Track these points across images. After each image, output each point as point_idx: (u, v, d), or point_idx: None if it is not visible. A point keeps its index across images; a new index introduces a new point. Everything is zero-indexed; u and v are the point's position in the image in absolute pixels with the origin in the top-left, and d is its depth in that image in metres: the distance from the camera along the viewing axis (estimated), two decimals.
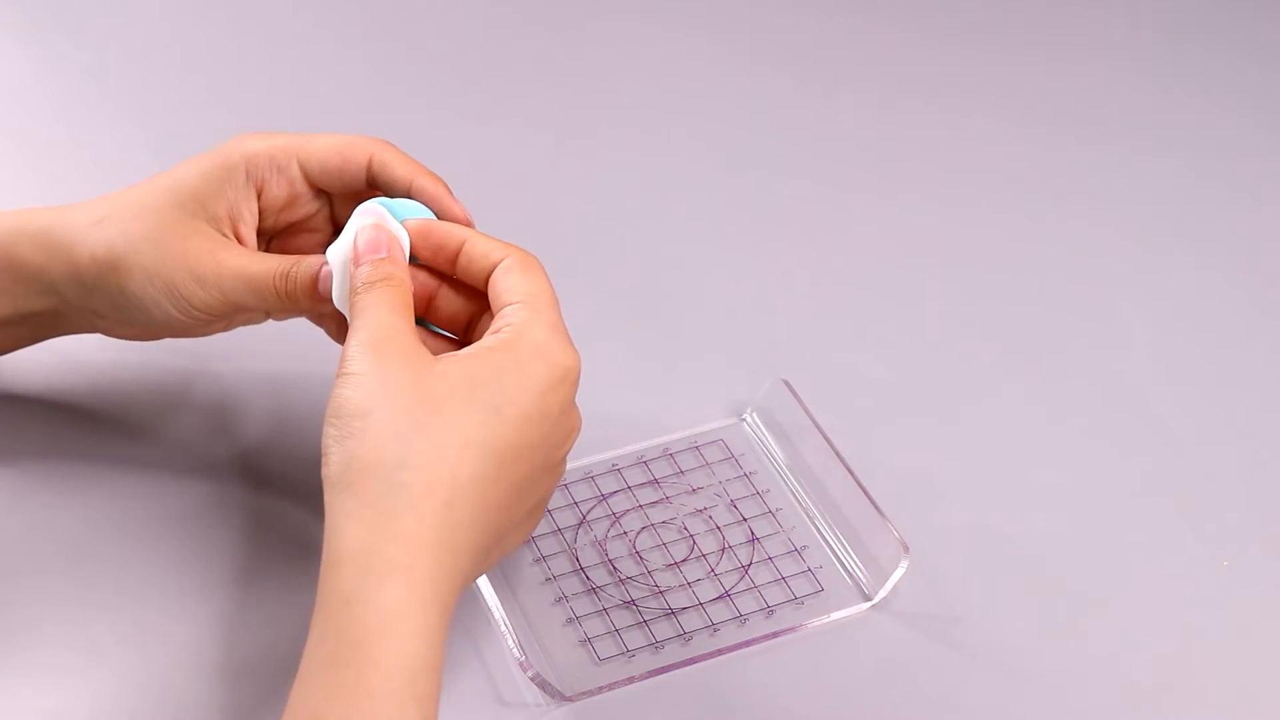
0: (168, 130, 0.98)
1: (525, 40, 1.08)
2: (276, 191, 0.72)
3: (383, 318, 0.65)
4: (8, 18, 1.07)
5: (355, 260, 0.68)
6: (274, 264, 0.70)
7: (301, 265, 0.70)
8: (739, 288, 0.92)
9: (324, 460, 0.63)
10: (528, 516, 0.68)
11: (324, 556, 0.61)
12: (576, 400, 0.68)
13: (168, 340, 0.76)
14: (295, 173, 0.72)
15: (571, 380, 0.66)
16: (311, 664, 0.60)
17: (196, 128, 0.98)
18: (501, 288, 0.67)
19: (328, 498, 0.62)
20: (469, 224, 0.72)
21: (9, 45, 1.06)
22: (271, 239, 0.75)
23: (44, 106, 1.01)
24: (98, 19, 1.06)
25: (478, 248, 0.69)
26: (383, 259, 0.67)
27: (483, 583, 0.74)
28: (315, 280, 0.70)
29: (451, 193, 0.72)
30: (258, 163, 0.72)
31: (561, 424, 0.66)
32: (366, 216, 0.69)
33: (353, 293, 0.67)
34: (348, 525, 0.61)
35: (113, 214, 0.71)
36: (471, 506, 0.63)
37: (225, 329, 0.76)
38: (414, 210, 0.70)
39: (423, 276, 0.70)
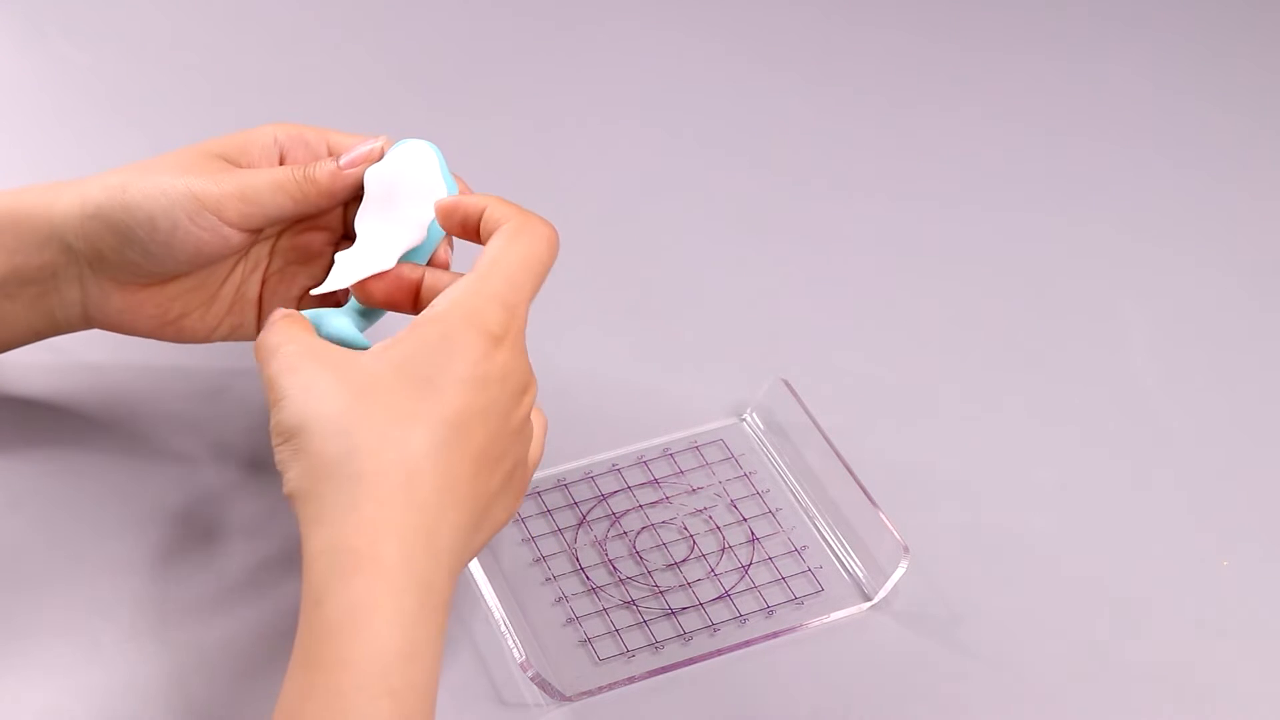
0: (168, 130, 0.98)
1: (526, 40, 1.08)
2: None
3: (288, 343, 0.64)
4: (8, 18, 1.07)
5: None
6: (290, 168, 0.72)
7: (320, 160, 0.72)
8: (739, 288, 0.92)
9: (283, 482, 0.62)
10: (505, 485, 0.66)
11: (302, 563, 0.61)
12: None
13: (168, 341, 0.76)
14: (323, 153, 0.73)
15: (509, 344, 0.64)
16: (291, 667, 0.60)
17: (196, 128, 0.97)
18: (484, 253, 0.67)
19: (296, 513, 0.62)
20: None
21: (9, 45, 1.06)
22: (281, 234, 0.76)
23: (44, 106, 1.01)
24: (98, 19, 1.06)
25: (494, 213, 0.68)
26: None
27: (483, 583, 0.74)
28: (336, 171, 0.70)
29: (469, 190, 0.73)
30: (289, 133, 0.73)
31: (508, 387, 0.64)
32: (419, 154, 0.71)
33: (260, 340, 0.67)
34: (314, 530, 0.61)
35: (136, 163, 0.72)
36: (435, 480, 0.61)
37: (223, 331, 0.76)
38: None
39: (407, 269, 0.70)
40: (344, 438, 0.61)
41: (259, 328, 0.77)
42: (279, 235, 0.76)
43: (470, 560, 0.66)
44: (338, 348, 0.65)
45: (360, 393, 0.62)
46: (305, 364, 0.63)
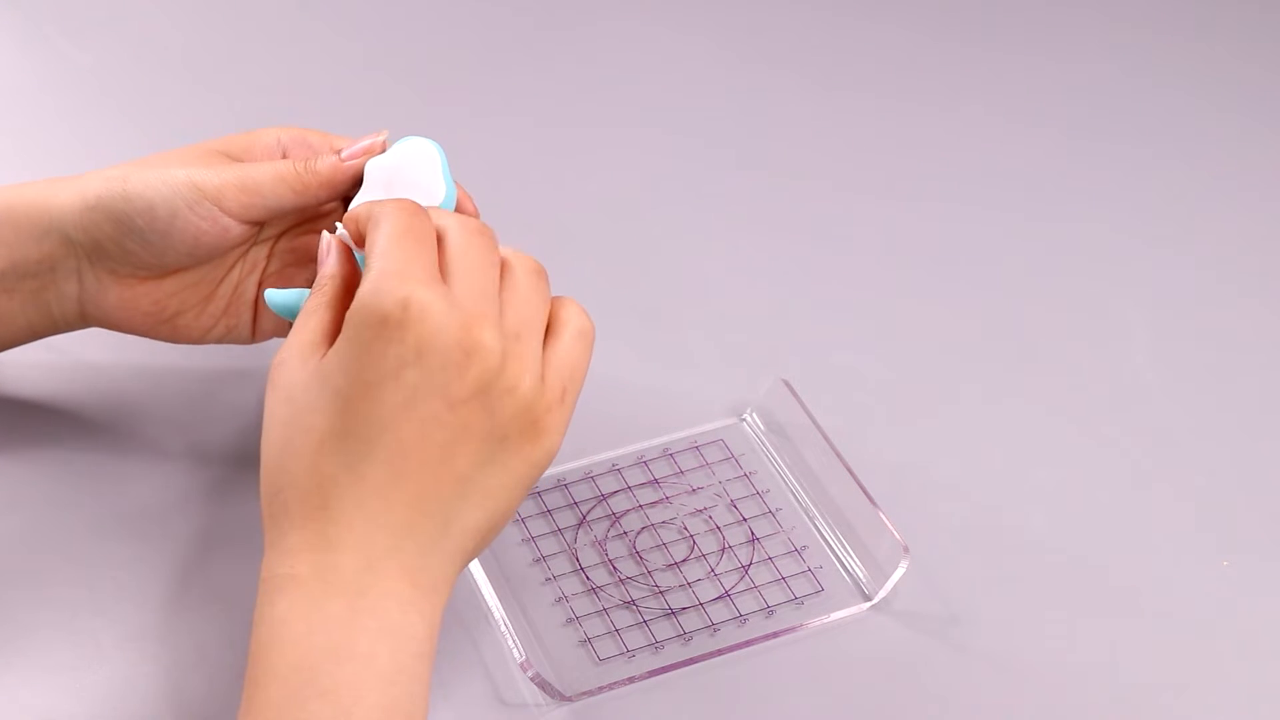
0: (168, 131, 0.98)
1: (526, 40, 1.08)
2: None
3: (282, 350, 0.64)
4: (8, 18, 1.07)
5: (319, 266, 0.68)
6: (291, 161, 0.72)
7: (320, 155, 0.72)
8: (739, 288, 0.92)
9: None
10: (488, 455, 0.63)
11: None
12: (581, 397, 0.66)
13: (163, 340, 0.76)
14: (324, 153, 0.73)
15: (415, 315, 0.60)
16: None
17: (197, 128, 0.97)
18: None
19: None
20: (475, 215, 0.73)
21: (9, 45, 1.06)
22: (280, 236, 0.76)
23: (44, 106, 1.01)
24: (98, 19, 1.07)
25: (360, 212, 0.67)
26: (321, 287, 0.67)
27: (483, 583, 0.74)
28: (337, 163, 0.71)
29: (468, 197, 0.74)
30: (292, 135, 0.74)
31: (434, 363, 0.61)
32: (421, 150, 0.71)
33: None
34: (262, 564, 0.62)
35: (137, 159, 0.73)
36: (352, 496, 0.61)
37: (218, 332, 0.76)
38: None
39: None
40: (276, 473, 0.62)
41: (254, 330, 0.77)
42: (278, 237, 0.76)
43: (464, 539, 0.63)
44: (302, 363, 0.63)
45: (290, 419, 0.62)
46: (277, 384, 0.63)
